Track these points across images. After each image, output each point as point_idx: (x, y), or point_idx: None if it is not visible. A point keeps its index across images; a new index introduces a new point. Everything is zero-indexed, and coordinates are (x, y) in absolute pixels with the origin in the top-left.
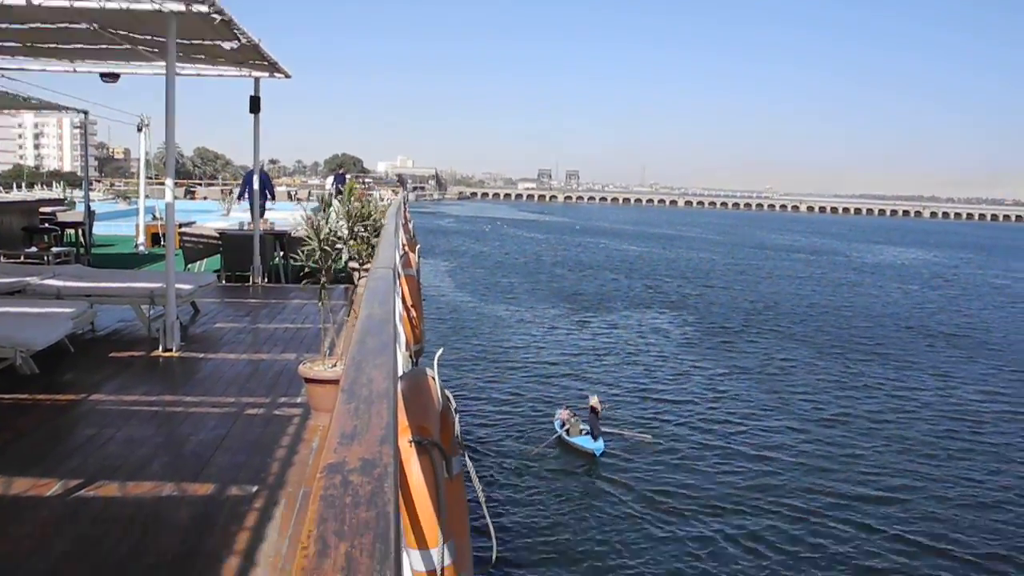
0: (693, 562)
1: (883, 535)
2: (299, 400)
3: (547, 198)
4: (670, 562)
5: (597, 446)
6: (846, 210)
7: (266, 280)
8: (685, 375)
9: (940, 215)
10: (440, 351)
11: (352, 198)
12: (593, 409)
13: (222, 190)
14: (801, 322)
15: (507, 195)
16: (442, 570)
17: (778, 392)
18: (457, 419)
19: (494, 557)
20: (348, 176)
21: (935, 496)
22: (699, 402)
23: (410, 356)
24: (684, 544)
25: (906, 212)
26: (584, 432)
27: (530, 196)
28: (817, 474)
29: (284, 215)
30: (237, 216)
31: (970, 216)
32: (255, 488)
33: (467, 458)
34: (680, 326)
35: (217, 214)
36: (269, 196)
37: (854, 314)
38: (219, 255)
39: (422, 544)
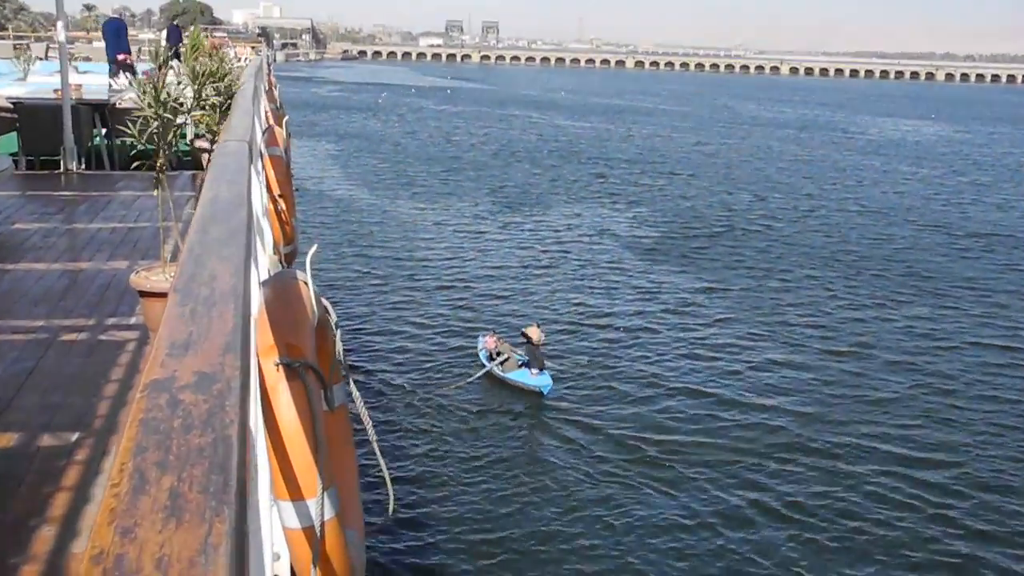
0: (661, 534)
1: (900, 500)
2: (133, 320)
3: (458, 58)
4: (633, 533)
5: (543, 382)
6: (839, 72)
7: (84, 166)
8: (648, 293)
9: (959, 77)
10: (314, 248)
11: (198, 53)
12: (528, 339)
13: (16, 46)
14: (793, 221)
15: (406, 54)
16: (322, 524)
17: (767, 314)
18: (339, 336)
19: (390, 509)
20: (190, 29)
21: (973, 448)
22: (669, 329)
23: (280, 259)
24: (653, 508)
25: (915, 74)
26: (522, 365)
27: (436, 55)
28: (818, 420)
29: (103, 79)
30: (40, 81)
31: (996, 78)
32: (76, 436)
33: (353, 386)
34: (639, 228)
35: (10, 78)
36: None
37: (860, 210)
38: (14, 133)
39: (296, 493)
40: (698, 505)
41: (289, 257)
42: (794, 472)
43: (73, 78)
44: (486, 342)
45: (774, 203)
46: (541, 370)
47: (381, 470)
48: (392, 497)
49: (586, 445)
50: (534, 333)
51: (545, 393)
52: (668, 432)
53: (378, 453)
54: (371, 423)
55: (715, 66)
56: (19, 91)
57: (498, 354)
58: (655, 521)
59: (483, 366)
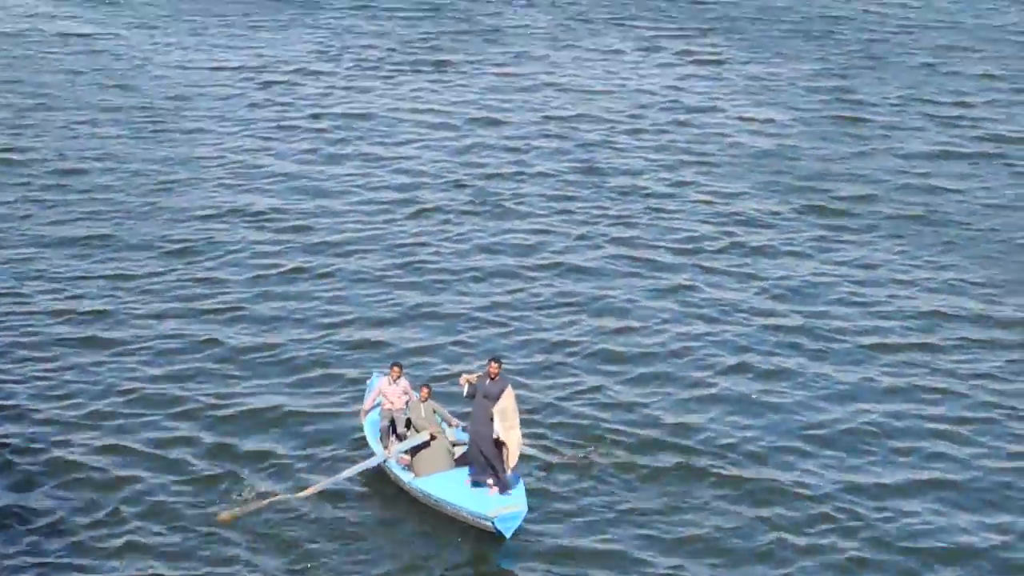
0: None
1: None
2: None
3: None
4: None
5: (502, 508)
6: None
7: None
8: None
9: None
10: None
11: None
12: (486, 394)
13: None
14: None
15: None
16: None
17: None
18: None
19: None
20: None
21: None
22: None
23: None
24: None
25: None
26: (460, 460)
27: None
28: None
29: None
30: None
31: None
32: None
33: None
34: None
35: None
36: None
37: None
38: None
39: None
40: None
41: None
42: None
43: None
44: (381, 389)
45: None
46: (504, 486)
47: None
48: None
49: None
50: (504, 397)
51: (506, 535)
52: None
53: None
54: None
55: None
56: None
57: (408, 426)
58: None
59: (370, 455)
